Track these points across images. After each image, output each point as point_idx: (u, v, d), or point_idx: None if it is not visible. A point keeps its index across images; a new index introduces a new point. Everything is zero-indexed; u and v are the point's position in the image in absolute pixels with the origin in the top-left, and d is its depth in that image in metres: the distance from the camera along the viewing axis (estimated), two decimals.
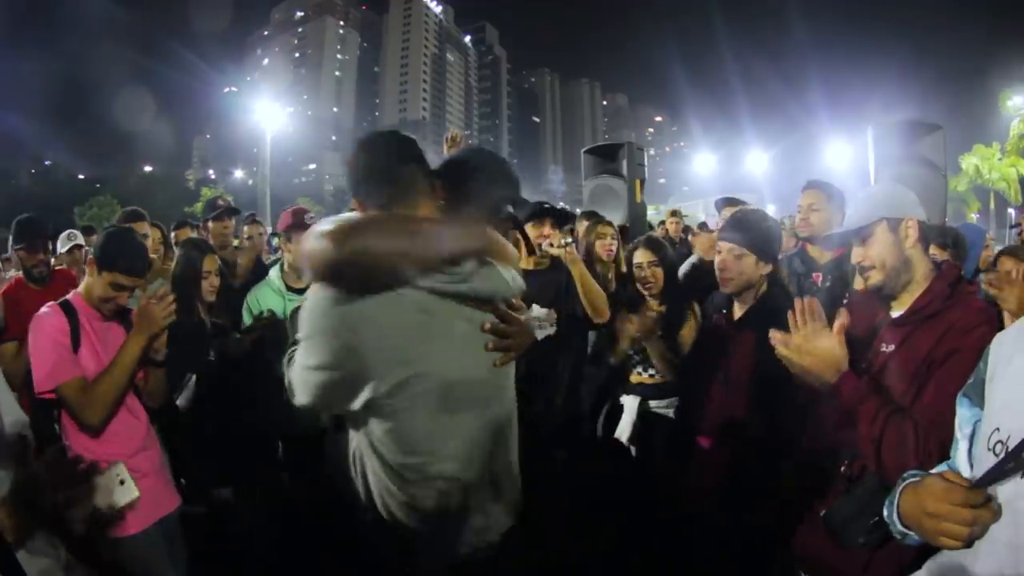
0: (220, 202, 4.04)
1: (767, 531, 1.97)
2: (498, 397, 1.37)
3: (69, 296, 2.05)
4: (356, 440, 1.32)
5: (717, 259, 2.13)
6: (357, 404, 1.22)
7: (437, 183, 1.36)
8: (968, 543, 0.95)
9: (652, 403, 2.72)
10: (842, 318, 1.44)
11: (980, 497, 0.93)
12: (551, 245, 2.59)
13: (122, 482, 1.17)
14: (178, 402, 2.38)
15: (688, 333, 2.66)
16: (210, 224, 3.86)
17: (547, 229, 2.68)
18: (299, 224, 2.69)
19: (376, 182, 1.32)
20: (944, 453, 1.18)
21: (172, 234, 3.93)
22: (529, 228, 2.72)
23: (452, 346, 1.26)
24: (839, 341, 1.41)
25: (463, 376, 1.27)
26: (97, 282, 2.01)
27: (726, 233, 2.14)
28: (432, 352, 1.23)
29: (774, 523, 1.97)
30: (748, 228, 2.08)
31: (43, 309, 1.98)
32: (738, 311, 2.12)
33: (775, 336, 1.45)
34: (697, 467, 2.08)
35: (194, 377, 2.42)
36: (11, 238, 3.06)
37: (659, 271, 2.74)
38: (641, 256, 2.76)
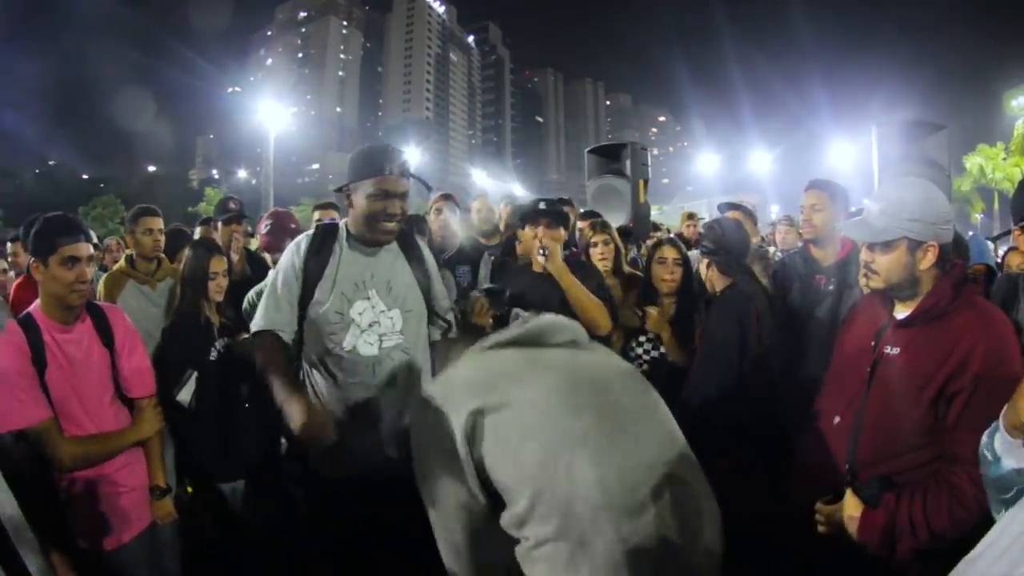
0: (231, 204, 3.97)
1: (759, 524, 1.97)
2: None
3: (31, 309, 1.84)
4: None
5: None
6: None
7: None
8: None
9: None
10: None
11: None
12: (540, 254, 2.46)
13: None
14: (178, 397, 2.38)
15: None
16: (219, 225, 3.89)
17: (542, 231, 2.53)
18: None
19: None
20: None
21: (196, 233, 3.92)
22: (525, 232, 2.63)
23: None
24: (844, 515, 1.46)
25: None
26: (48, 275, 1.76)
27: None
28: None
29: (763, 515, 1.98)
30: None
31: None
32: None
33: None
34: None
35: (195, 374, 2.42)
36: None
37: (680, 270, 2.73)
38: (668, 252, 2.75)
